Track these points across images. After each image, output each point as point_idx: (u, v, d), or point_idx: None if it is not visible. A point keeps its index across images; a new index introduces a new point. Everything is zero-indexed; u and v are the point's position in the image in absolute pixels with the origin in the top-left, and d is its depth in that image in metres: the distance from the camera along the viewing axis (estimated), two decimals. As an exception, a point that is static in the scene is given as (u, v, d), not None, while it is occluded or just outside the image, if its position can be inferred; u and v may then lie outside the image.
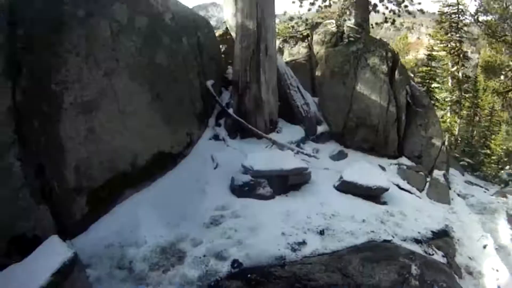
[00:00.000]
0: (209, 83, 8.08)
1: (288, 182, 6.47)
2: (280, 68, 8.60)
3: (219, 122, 8.05)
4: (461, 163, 13.46)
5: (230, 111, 7.98)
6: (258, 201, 6.10)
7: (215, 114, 8.19)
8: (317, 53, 10.03)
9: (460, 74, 17.11)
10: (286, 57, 10.93)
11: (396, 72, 9.16)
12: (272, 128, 8.09)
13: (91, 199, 5.28)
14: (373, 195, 6.89)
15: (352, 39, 9.58)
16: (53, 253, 3.97)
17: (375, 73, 8.89)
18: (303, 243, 5.23)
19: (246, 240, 5.14)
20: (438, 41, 17.37)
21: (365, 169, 7.25)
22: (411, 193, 7.93)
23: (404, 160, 9.04)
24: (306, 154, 7.59)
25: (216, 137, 7.73)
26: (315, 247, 5.22)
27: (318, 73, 9.63)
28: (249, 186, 6.17)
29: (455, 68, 17.09)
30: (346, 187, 6.83)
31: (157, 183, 6.28)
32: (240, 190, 6.17)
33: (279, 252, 4.98)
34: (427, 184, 8.54)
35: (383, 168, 8.50)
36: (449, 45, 17.10)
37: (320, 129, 8.79)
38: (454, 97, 17.17)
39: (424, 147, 9.16)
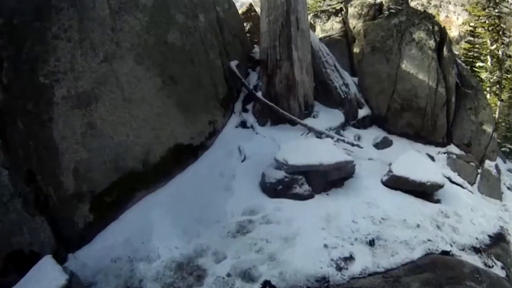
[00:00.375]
0: (233, 63, 7.07)
1: (329, 178, 5.48)
2: (313, 45, 7.47)
3: (246, 108, 7.01)
4: (502, 149, 12.04)
5: (259, 94, 6.94)
6: (294, 201, 5.17)
7: (242, 99, 7.15)
8: (354, 27, 8.80)
9: (500, 53, 15.54)
10: (319, 33, 9.69)
11: (445, 48, 7.94)
12: (307, 113, 7.01)
13: (96, 205, 4.61)
14: (426, 192, 5.92)
15: (393, 11, 8.31)
16: (45, 279, 3.48)
17: (422, 49, 7.70)
18: (350, 258, 4.34)
19: (279, 255, 4.27)
20: (476, 17, 15.79)
21: (415, 160, 6.21)
22: (463, 187, 7.02)
23: (453, 148, 7.97)
24: (348, 143, 6.51)
25: (243, 124, 6.73)
26: (365, 264, 4.34)
27: (356, 49, 8.44)
28: (283, 184, 5.20)
29: (494, 46, 15.53)
30: (396, 183, 5.85)
31: (175, 181, 5.45)
32: (273, 189, 5.22)
33: (321, 271, 4.11)
34: (478, 176, 7.63)
35: (432, 158, 7.47)
36: (487, 21, 15.52)
37: (362, 112, 7.67)
38: (494, 77, 15.66)
39: (474, 134, 8.09)
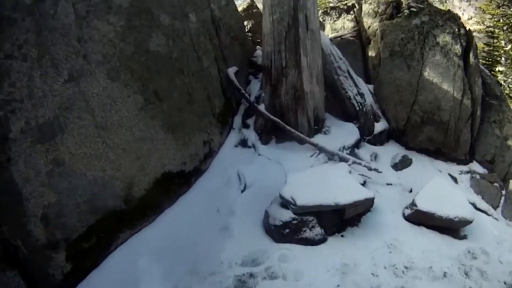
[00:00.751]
0: (232, 70, 6.17)
1: (345, 216, 4.68)
2: (324, 47, 6.56)
3: (247, 123, 6.14)
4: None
5: (261, 107, 6.05)
6: (304, 247, 4.36)
7: (242, 112, 6.28)
8: (369, 27, 7.86)
9: None
10: (328, 32, 8.74)
11: (471, 54, 7.00)
12: (317, 129, 6.15)
13: (72, 253, 3.89)
14: (453, 228, 5.15)
15: (414, 9, 7.36)
16: None
17: (447, 55, 6.80)
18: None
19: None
20: (489, 16, 14.78)
21: (441, 190, 5.35)
22: (488, 214, 6.25)
23: (475, 166, 7.15)
24: (365, 166, 5.68)
25: (243, 143, 5.88)
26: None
27: (371, 53, 7.54)
28: (291, 228, 4.39)
29: (509, 46, 14.58)
30: (420, 218, 5.06)
31: (164, 217, 4.67)
32: (278, 233, 4.40)
33: None
34: (502, 198, 6.79)
35: (455, 179, 6.66)
36: (501, 20, 14.52)
37: (378, 126, 6.80)
38: (509, 79, 14.76)
39: (498, 150, 7.22)
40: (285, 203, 4.47)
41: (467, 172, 6.92)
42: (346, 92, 6.53)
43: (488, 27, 13.95)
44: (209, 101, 5.48)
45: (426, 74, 6.77)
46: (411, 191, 5.78)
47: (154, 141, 4.54)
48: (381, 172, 5.69)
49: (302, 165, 5.39)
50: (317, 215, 4.45)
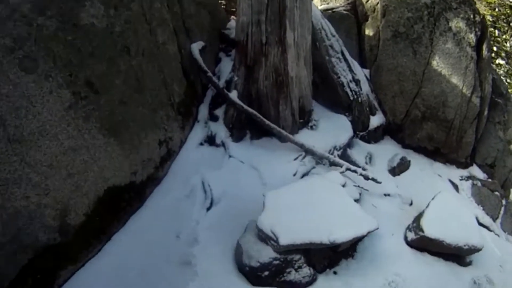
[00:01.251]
0: (196, 46, 4.84)
1: (339, 248, 3.60)
2: (314, 21, 5.31)
3: (215, 114, 4.84)
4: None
5: (233, 94, 4.73)
6: (289, 293, 3.28)
7: (209, 100, 4.95)
8: (367, 1, 6.64)
9: (508, 45, 13.88)
10: (317, 3, 7.42)
11: (484, 46, 6.08)
12: (303, 122, 5.00)
13: None
14: (460, 255, 4.33)
15: (423, -15, 6.23)
16: None
17: (460, 44, 5.79)
18: None
19: None
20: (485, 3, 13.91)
21: (448, 208, 4.44)
22: (490, 230, 5.55)
23: (475, 171, 6.41)
24: (362, 175, 4.61)
25: (210, 141, 4.63)
26: None
27: (369, 31, 6.31)
28: (271, 270, 3.28)
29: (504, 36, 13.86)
30: (426, 245, 4.15)
31: (113, 244, 3.49)
32: (255, 275, 3.29)
33: None
34: (502, 208, 6.13)
35: (456, 187, 5.84)
36: (496, 10, 13.66)
37: (374, 121, 5.76)
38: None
39: (500, 154, 6.51)
40: (264, 238, 3.33)
41: (468, 178, 6.17)
42: (339, 78, 5.38)
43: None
44: (166, 88, 4.18)
45: (434, 63, 5.73)
46: (411, 203, 4.89)
47: (90, 150, 3.27)
48: (380, 183, 4.65)
49: (284, 172, 4.30)
50: (306, 250, 3.36)
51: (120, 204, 3.56)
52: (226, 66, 5.13)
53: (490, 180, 6.37)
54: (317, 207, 3.48)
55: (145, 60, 3.85)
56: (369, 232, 3.43)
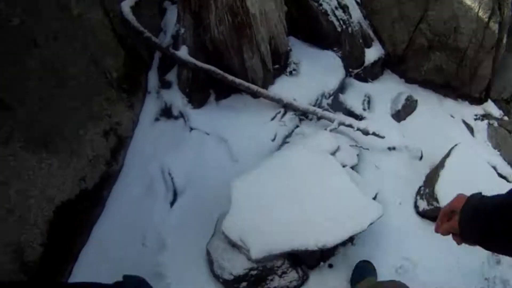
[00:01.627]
0: (127, 4, 3.61)
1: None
2: None
3: (167, 80, 3.74)
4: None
5: (183, 51, 3.53)
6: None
7: (157, 65, 3.84)
8: None
9: None
10: None
11: (503, -38, 4.80)
12: (279, 68, 3.89)
13: None
14: None
15: None
16: None
17: (475, -42, 4.58)
18: None
19: None
20: None
21: (465, 165, 3.61)
22: (508, 181, 4.54)
23: (491, 107, 5.43)
24: (359, 130, 3.66)
25: (167, 113, 3.62)
26: None
27: None
28: (250, 280, 2.52)
29: None
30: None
31: (79, 266, 2.82)
32: (231, 286, 2.54)
33: None
34: None
35: (471, 129, 4.92)
36: None
37: (371, 54, 4.64)
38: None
39: None
40: (237, 247, 2.48)
41: (483, 117, 5.23)
42: (320, 5, 4.19)
43: None
44: (96, 66, 3.07)
45: (443, -20, 4.55)
46: (421, 158, 4.00)
47: (22, 175, 2.37)
48: (383, 137, 3.72)
49: (259, 139, 3.38)
50: (289, 253, 2.51)
51: (78, 217, 2.78)
52: (172, 17, 3.91)
53: (506, 118, 5.48)
54: (299, 197, 2.58)
55: (62, 44, 2.74)
56: (371, 224, 2.53)
